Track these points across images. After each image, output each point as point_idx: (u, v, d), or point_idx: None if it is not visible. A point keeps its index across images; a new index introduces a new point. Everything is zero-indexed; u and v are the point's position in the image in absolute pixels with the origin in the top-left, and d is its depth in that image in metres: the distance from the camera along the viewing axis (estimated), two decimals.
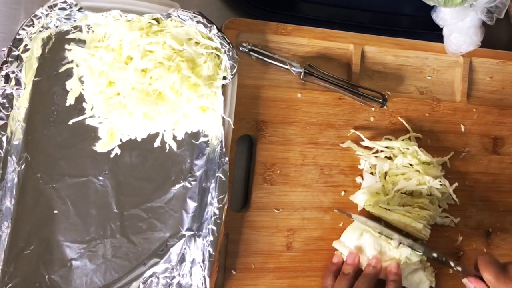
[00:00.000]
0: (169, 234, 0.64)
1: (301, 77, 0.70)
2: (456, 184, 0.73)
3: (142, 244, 0.63)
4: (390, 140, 0.73)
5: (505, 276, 0.61)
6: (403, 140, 0.73)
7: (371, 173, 0.72)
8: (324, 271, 0.70)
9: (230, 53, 0.62)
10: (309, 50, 0.73)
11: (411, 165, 0.71)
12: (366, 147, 0.72)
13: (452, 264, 0.67)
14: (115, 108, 0.61)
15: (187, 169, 0.65)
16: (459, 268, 0.66)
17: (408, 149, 0.71)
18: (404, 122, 0.75)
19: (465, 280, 0.65)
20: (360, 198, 0.71)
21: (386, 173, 0.72)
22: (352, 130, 0.73)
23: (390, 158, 0.72)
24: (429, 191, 0.71)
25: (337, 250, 0.70)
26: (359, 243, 0.68)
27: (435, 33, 0.76)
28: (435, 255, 0.68)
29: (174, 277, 0.63)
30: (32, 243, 0.60)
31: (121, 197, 0.63)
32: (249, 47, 0.69)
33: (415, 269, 0.69)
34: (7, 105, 0.58)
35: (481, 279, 0.62)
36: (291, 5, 0.75)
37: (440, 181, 0.71)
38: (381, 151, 0.72)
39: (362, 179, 0.72)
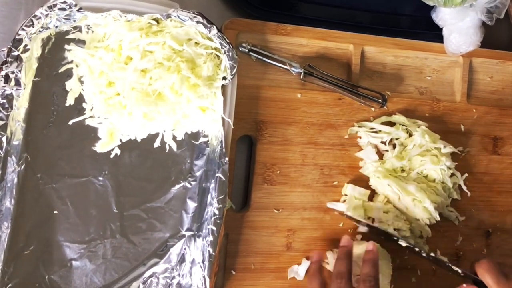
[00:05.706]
0: (169, 234, 0.64)
1: (301, 77, 0.70)
2: (466, 174, 0.75)
3: (142, 244, 0.63)
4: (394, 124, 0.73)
5: (507, 281, 0.61)
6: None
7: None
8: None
9: (230, 54, 0.62)
10: (309, 50, 0.73)
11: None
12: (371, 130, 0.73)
13: (451, 265, 0.67)
14: (115, 108, 0.61)
15: (187, 169, 0.65)
16: (458, 270, 0.66)
17: (417, 129, 0.72)
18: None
19: None
20: (371, 169, 0.71)
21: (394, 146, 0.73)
22: (355, 124, 0.73)
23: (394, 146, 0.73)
24: (442, 178, 0.71)
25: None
26: None
27: (434, 33, 0.76)
28: (433, 254, 0.68)
29: (174, 277, 0.63)
30: (32, 244, 0.60)
31: (121, 197, 0.63)
32: (249, 47, 0.69)
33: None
34: (6, 106, 0.58)
35: (479, 283, 0.62)
36: (291, 5, 0.75)
37: (452, 172, 0.73)
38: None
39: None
